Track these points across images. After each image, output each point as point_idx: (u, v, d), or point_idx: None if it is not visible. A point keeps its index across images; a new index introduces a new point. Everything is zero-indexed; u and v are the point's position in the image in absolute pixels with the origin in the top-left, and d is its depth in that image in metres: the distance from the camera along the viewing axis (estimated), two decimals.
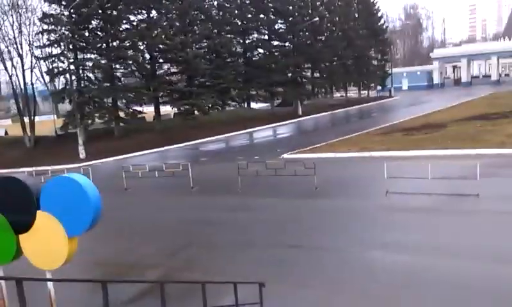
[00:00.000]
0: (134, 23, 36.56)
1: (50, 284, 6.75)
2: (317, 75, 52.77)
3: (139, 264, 10.44)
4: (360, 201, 13.70)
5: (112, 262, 10.83)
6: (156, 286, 8.50)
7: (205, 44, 41.39)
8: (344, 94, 63.73)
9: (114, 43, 35.42)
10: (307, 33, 47.24)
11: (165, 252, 11.10)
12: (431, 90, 72.16)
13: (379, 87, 70.83)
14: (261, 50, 47.64)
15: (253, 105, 52.46)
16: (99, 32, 35.62)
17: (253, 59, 47.14)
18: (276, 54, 46.41)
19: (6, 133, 39.76)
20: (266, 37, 47.41)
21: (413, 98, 56.65)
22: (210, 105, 40.53)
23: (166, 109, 41.85)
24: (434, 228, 10.72)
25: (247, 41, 46.59)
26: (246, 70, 44.52)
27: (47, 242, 6.32)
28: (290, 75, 45.92)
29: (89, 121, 34.63)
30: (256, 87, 46.49)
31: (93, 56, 35.08)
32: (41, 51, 37.54)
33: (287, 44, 47.18)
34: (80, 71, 34.69)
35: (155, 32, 35.07)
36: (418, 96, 58.97)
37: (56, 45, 34.13)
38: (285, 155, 22.78)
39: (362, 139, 25.76)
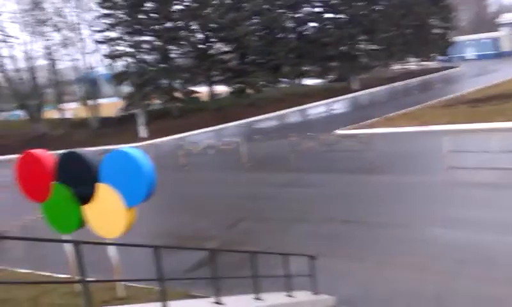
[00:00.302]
0: (187, 4, 37.01)
1: (113, 251, 7.20)
2: (373, 47, 50.50)
3: (198, 236, 10.82)
4: (419, 177, 13.11)
5: (173, 234, 11.32)
6: (215, 256, 8.84)
7: (256, 20, 41.05)
8: (403, 66, 60.68)
9: (168, 24, 36.21)
10: (362, 3, 45.24)
11: (221, 226, 11.42)
12: (498, 59, 66.71)
13: (441, 58, 66.64)
14: (313, 24, 46.38)
15: (306, 81, 51.56)
16: (153, 14, 36.50)
17: (305, 33, 46.05)
18: (328, 27, 44.98)
19: (73, 116, 42.43)
20: (318, 10, 46.03)
21: (478, 68, 52.80)
22: (262, 83, 40.42)
23: (221, 89, 42.38)
24: (497, 203, 10.05)
25: (298, 15, 45.55)
26: (297, 45, 43.62)
27: (107, 212, 6.71)
28: (344, 48, 44.39)
29: (148, 102, 35.96)
30: (309, 63, 45.52)
31: (148, 38, 36.16)
32: (101, 35, 39.24)
33: (340, 16, 45.53)
34: (138, 54, 35.94)
35: (207, 11, 35.31)
36: (484, 65, 54.84)
37: (114, 29, 35.56)
38: (339, 131, 22.28)
39: (423, 112, 24.47)
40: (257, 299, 5.89)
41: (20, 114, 40.60)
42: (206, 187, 15.95)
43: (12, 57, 37.33)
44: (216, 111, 35.46)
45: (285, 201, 12.64)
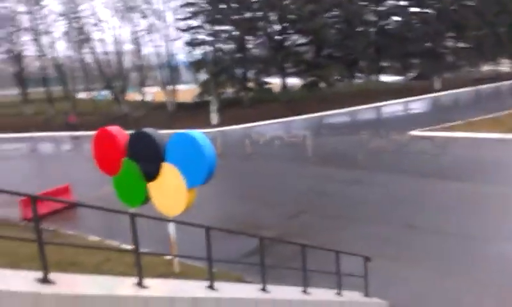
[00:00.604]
0: None
1: (171, 228, 7.57)
2: (461, 45, 46.94)
3: (258, 224, 10.98)
4: (496, 187, 12.08)
5: (235, 219, 11.60)
6: (270, 245, 8.93)
7: (335, 13, 40.14)
8: (494, 68, 55.74)
9: (247, 15, 36.78)
10: None
11: (281, 216, 11.49)
12: None
13: None
14: (396, 18, 44.22)
15: (384, 78, 49.46)
16: (234, 4, 37.27)
17: (387, 27, 44.08)
18: (413, 21, 42.61)
19: (153, 99, 44.91)
20: (403, 3, 43.74)
21: None
22: (336, 77, 39.55)
23: (293, 81, 42.23)
24: None
25: (381, 9, 43.71)
26: (377, 39, 41.95)
27: (169, 191, 7.06)
28: (428, 45, 41.82)
29: (222, 90, 36.95)
30: (388, 59, 43.58)
31: (227, 28, 37.06)
32: (184, 23, 40.92)
33: (427, 10, 42.87)
34: (216, 43, 37.03)
35: (286, 1, 35.28)
36: None
37: (195, 18, 36.94)
38: (414, 132, 21.15)
39: (511, 119, 22.39)
40: (304, 292, 5.86)
41: (106, 94, 43.81)
42: (270, 177, 16.08)
43: (102, 41, 40.36)
44: (287, 103, 35.44)
45: (347, 198, 12.36)
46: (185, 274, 6.86)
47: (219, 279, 6.78)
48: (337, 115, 32.80)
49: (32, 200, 3.04)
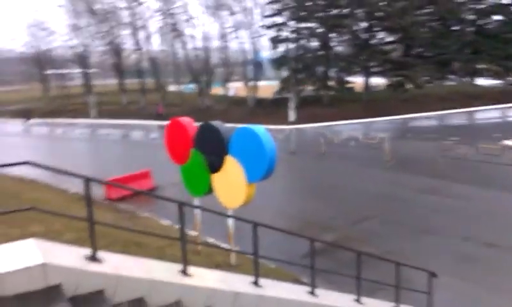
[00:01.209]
0: None
1: (230, 222, 7.73)
2: None
3: (320, 224, 10.80)
4: None
5: (298, 217, 11.54)
6: (329, 248, 8.73)
7: (429, 10, 37.63)
8: None
9: (334, 11, 36.06)
10: None
11: (346, 219, 11.16)
12: None
13: None
14: (497, 17, 40.21)
15: (480, 81, 45.37)
16: (320, 1, 36.77)
17: (486, 27, 40.28)
18: None
19: (235, 94, 46.12)
20: (506, 1, 39.62)
21: None
22: (425, 78, 37.13)
23: (377, 81, 40.55)
24: None
25: (480, 7, 40.06)
26: (474, 39, 38.58)
27: (230, 183, 7.22)
28: None
29: (301, 88, 36.72)
30: (486, 60, 39.81)
31: (311, 25, 36.67)
32: (269, 20, 41.37)
33: None
34: (299, 40, 36.87)
35: None
36: None
37: (280, 15, 37.12)
38: (508, 142, 19.15)
39: None
40: (357, 301, 5.63)
41: (193, 87, 45.95)
42: (340, 178, 15.68)
43: (192, 37, 42.33)
44: (369, 103, 34.20)
45: (420, 207, 11.60)
46: (239, 267, 6.96)
47: (273, 276, 6.80)
48: (423, 118, 30.91)
49: (86, 182, 3.29)
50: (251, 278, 4.63)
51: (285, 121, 30.75)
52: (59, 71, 53.20)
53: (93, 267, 3.29)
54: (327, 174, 16.32)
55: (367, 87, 38.00)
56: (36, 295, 2.91)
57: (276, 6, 37.59)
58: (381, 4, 34.22)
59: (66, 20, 45.51)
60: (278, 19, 38.20)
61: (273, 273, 7.34)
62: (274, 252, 7.49)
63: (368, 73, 37.27)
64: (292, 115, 31.97)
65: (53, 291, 2.99)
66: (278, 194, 13.43)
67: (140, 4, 42.87)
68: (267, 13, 38.99)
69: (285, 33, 37.55)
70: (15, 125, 37.00)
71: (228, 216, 6.75)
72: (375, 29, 36.87)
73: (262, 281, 4.65)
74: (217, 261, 7.15)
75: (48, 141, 29.90)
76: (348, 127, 27.53)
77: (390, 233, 9.90)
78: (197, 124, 7.99)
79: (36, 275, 2.96)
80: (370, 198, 12.78)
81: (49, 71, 52.50)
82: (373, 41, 36.85)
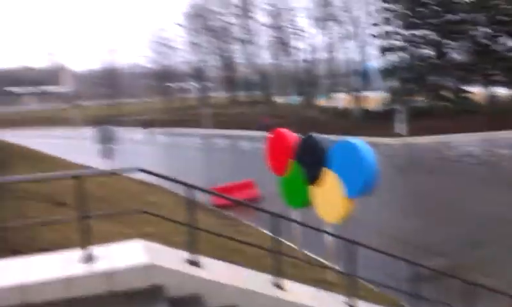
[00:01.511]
0: None
1: (330, 238, 7.57)
2: None
3: (428, 248, 9.96)
4: None
5: (403, 238, 10.78)
6: (438, 275, 8.02)
7: None
8: None
9: (449, 17, 33.42)
10: None
11: (457, 244, 10.17)
12: None
13: None
14: None
15: None
16: (434, 7, 34.39)
17: None
18: None
19: (341, 105, 45.37)
20: None
21: None
22: None
23: (501, 91, 36.34)
24: None
25: None
26: None
27: (328, 197, 7.10)
28: None
29: (411, 98, 34.56)
30: None
31: (423, 32, 34.40)
32: (377, 29, 39.92)
33: None
34: (410, 48, 34.83)
35: (496, 1, 30.57)
36: None
37: (389, 23, 35.53)
38: None
39: None
40: None
41: (299, 99, 46.44)
42: (453, 197, 14.33)
43: (299, 49, 42.92)
44: (492, 116, 30.76)
45: None
46: (336, 284, 6.76)
47: (373, 299, 6.47)
48: None
49: (188, 189, 3.52)
50: (346, 298, 4.48)
51: (392, 134, 29.30)
52: (179, 84, 58.29)
53: (193, 271, 3.50)
54: (437, 192, 15.04)
55: (490, 97, 34.35)
56: (141, 293, 3.19)
57: (385, 15, 36.18)
58: (504, 6, 30.79)
59: (184, 37, 50.01)
60: (388, 27, 36.71)
61: (371, 295, 6.99)
62: (380, 274, 7.09)
63: (489, 82, 33.71)
64: (400, 128, 30.32)
65: (156, 291, 3.24)
66: (379, 211, 12.72)
67: (250, 19, 44.91)
68: (375, 22, 37.75)
69: (394, 41, 35.89)
70: (137, 133, 41.45)
71: (328, 233, 6.61)
72: (497, 34, 33.28)
73: (359, 302, 4.47)
74: (316, 276, 7.04)
75: (165, 148, 32.88)
76: (467, 141, 25.11)
77: (508, 262, 8.74)
78: (298, 135, 8.05)
79: (142, 275, 3.24)
80: (486, 220, 11.47)
81: (170, 85, 57.82)
82: (495, 48, 33.28)
